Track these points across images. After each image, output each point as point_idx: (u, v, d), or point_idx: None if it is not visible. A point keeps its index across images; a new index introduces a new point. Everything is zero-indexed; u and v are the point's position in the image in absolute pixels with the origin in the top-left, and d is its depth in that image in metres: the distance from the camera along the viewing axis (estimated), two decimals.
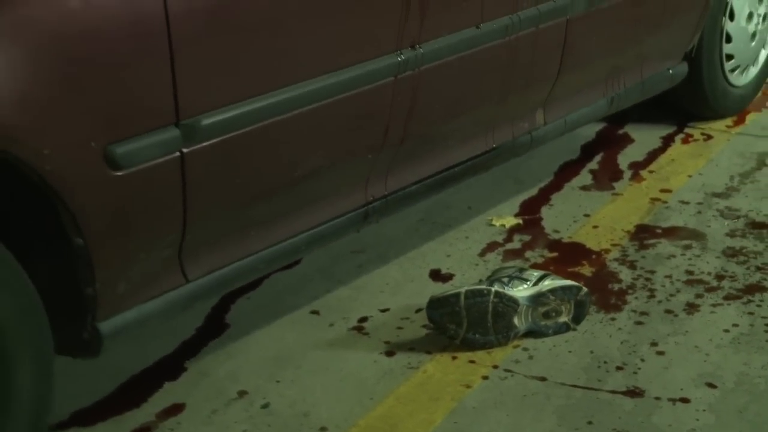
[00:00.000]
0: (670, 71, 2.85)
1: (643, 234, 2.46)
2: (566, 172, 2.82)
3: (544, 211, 2.60)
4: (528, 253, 2.38)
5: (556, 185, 2.74)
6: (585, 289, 2.09)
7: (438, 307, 2.00)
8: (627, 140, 3.04)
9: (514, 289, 2.04)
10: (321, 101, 1.82)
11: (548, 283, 2.05)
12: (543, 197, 2.68)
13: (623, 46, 2.63)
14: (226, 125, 1.68)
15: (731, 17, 3.06)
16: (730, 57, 3.10)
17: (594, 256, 2.36)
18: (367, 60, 1.90)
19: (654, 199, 2.65)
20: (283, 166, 1.85)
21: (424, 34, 1.99)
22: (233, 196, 1.77)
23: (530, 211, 2.61)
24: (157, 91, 1.58)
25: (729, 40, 3.08)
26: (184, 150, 1.62)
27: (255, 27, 1.70)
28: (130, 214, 1.60)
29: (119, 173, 1.54)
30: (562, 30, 2.35)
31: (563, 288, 2.05)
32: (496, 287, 2.01)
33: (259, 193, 1.83)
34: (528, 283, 2.06)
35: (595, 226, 2.51)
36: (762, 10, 3.17)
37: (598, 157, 2.92)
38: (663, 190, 2.70)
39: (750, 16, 3.12)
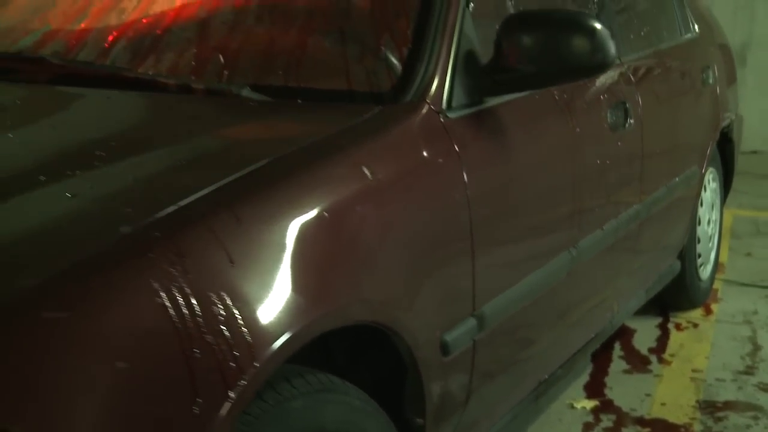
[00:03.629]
0: (671, 267, 3.30)
1: (709, 408, 2.79)
2: (600, 359, 3.14)
3: (609, 393, 2.89)
4: (624, 431, 2.65)
5: (602, 370, 3.05)
6: None
7: None
8: (629, 330, 3.41)
9: None
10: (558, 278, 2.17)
11: None
12: (598, 381, 2.97)
13: (660, 245, 3.06)
14: (503, 309, 1.89)
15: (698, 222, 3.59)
16: (698, 255, 3.61)
17: (683, 430, 2.66)
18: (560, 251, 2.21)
19: (693, 379, 3.01)
20: (540, 335, 2.15)
21: (581, 236, 2.30)
22: (503, 371, 1.97)
23: (596, 393, 2.89)
24: (465, 284, 1.78)
25: (698, 241, 3.59)
26: (476, 338, 1.81)
27: (518, 222, 1.97)
28: (442, 397, 1.75)
29: (446, 359, 1.71)
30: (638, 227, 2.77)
31: None
32: None
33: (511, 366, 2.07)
34: None
35: (663, 404, 2.82)
36: (714, 216, 3.73)
37: (617, 346, 3.27)
38: (695, 370, 3.07)
39: (708, 221, 3.67)
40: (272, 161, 1.47)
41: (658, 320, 3.52)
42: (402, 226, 1.61)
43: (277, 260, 1.34)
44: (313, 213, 1.43)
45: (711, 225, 3.69)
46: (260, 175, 1.43)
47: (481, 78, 1.90)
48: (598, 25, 1.90)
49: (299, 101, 1.77)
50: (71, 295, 1.12)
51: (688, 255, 3.46)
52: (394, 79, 1.80)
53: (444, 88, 1.82)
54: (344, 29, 1.91)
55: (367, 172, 1.56)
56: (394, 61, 1.83)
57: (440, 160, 1.75)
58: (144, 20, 1.98)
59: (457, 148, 1.78)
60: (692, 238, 3.48)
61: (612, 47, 1.91)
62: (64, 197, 1.32)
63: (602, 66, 1.93)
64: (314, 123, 1.68)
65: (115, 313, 1.14)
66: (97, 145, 1.50)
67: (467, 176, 1.78)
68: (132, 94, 1.78)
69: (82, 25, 2.00)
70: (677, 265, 3.34)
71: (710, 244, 3.71)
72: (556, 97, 2.20)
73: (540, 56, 1.88)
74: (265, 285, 1.31)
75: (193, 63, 1.89)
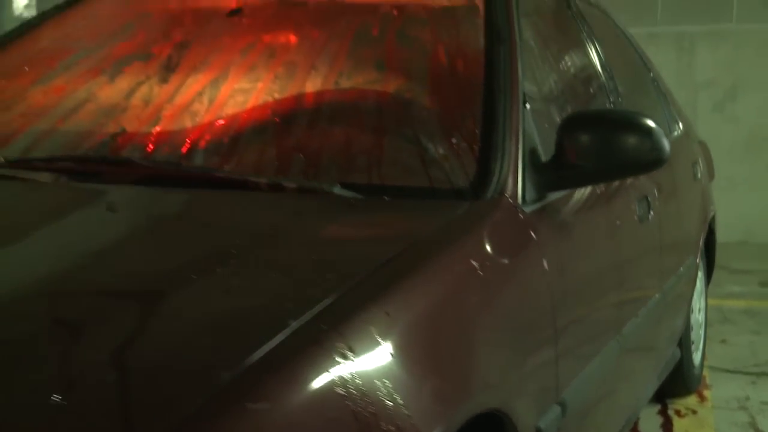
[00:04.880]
0: (674, 354, 3.41)
1: None
2: None
3: None
4: None
5: None
6: None
7: None
8: None
9: None
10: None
11: None
12: None
13: (669, 332, 3.18)
14: (578, 395, 1.96)
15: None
16: (692, 342, 3.73)
17: None
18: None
19: None
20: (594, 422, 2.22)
21: (624, 323, 2.40)
22: None
23: None
24: (551, 370, 1.85)
25: (691, 328, 3.72)
26: (560, 425, 1.87)
27: (581, 309, 2.06)
28: None
29: None
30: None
31: None
32: None
33: None
34: None
35: None
36: (702, 304, 3.88)
37: None
38: None
39: (699, 309, 3.81)
40: (395, 257, 1.53)
41: (657, 407, 3.62)
42: (503, 314, 1.68)
43: (422, 350, 1.40)
44: (444, 304, 1.50)
45: (700, 313, 3.84)
46: (390, 271, 1.49)
47: (545, 173, 2.00)
48: (653, 124, 2.03)
49: (386, 198, 1.85)
50: (269, 387, 1.16)
51: (684, 342, 3.58)
52: (472, 177, 1.89)
53: (518, 183, 1.91)
54: (418, 129, 1.99)
55: (475, 264, 1.64)
56: (470, 159, 1.92)
57: (525, 251, 1.83)
58: (220, 121, 2.04)
59: (536, 239, 1.87)
60: (687, 326, 3.60)
61: (667, 145, 2.03)
62: (222, 294, 1.36)
63: (658, 162, 2.05)
64: (413, 219, 1.75)
65: (307, 403, 1.18)
66: (226, 244, 1.55)
67: (547, 265, 1.86)
68: (228, 194, 1.83)
69: (158, 128, 2.05)
70: (677, 351, 3.46)
71: (700, 332, 3.85)
72: (598, 192, 2.32)
73: (598, 153, 1.99)
74: (418, 375, 1.36)
75: (277, 162, 1.95)
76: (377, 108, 2.08)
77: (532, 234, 1.87)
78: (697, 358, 3.80)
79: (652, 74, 3.63)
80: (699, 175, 3.61)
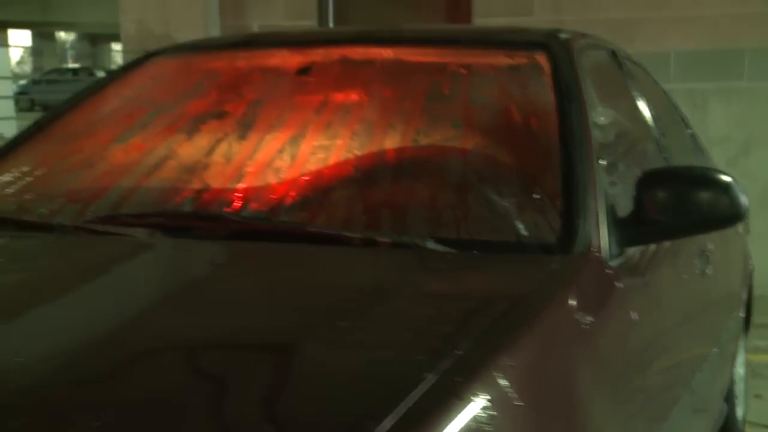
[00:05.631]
0: (721, 410, 3.42)
1: None
2: None
3: None
4: None
5: None
6: None
7: None
8: None
9: None
10: None
11: None
12: None
13: (720, 386, 3.19)
14: None
15: None
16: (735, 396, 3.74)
17: None
18: None
19: None
20: None
21: (694, 376, 2.42)
22: None
23: None
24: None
25: (734, 382, 3.73)
26: None
27: (661, 360, 2.08)
28: None
29: None
30: None
31: None
32: None
33: None
34: None
35: None
36: (743, 358, 3.89)
37: None
38: None
39: (741, 363, 3.82)
40: (508, 311, 1.56)
41: None
42: (602, 366, 1.71)
43: (541, 401, 1.42)
44: (553, 355, 1.53)
45: (742, 366, 3.85)
46: (507, 325, 1.51)
47: (625, 228, 2.03)
48: (729, 179, 2.06)
49: (475, 252, 1.87)
50: None
51: (730, 396, 3.59)
52: (558, 231, 1.92)
53: (602, 238, 1.94)
54: (500, 185, 2.03)
55: (576, 317, 1.67)
56: (553, 214, 1.95)
57: (615, 304, 1.86)
58: (305, 178, 2.07)
59: (622, 292, 1.90)
60: (731, 380, 3.61)
61: (745, 200, 2.07)
62: (351, 348, 1.39)
63: (736, 218, 2.08)
64: (511, 274, 1.78)
65: None
66: (338, 298, 1.58)
67: (633, 317, 1.89)
68: (321, 249, 1.86)
69: (242, 185, 2.08)
70: (725, 406, 3.46)
71: (742, 385, 3.86)
72: (665, 246, 2.35)
73: (676, 209, 2.03)
74: (543, 426, 1.38)
75: (364, 217, 1.98)
76: (459, 164, 2.12)
77: (619, 287, 1.90)
78: (740, 412, 3.80)
79: (690, 131, 3.68)
80: (740, 228, 3.65)
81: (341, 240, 1.87)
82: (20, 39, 38.11)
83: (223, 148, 2.22)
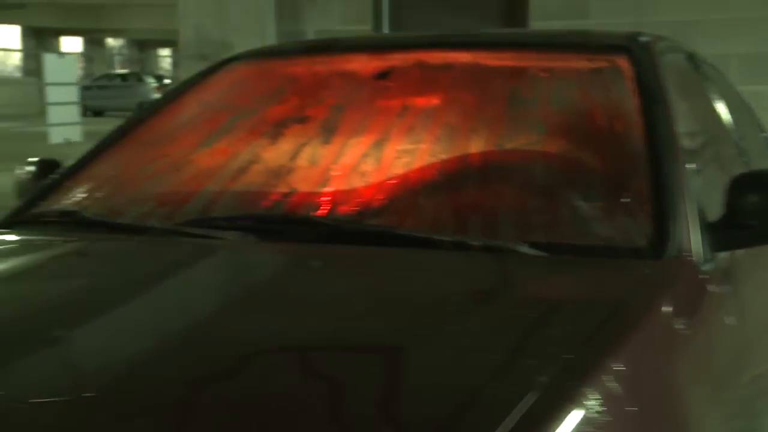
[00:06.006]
0: None
1: None
2: None
3: None
4: None
5: None
6: None
7: None
8: None
9: None
10: None
11: None
12: None
13: None
14: None
15: None
16: None
17: None
18: None
19: None
20: None
21: None
22: None
23: None
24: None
25: None
26: None
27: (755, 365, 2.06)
28: None
29: None
30: None
31: None
32: None
33: None
34: None
35: None
36: None
37: None
38: None
39: None
40: (611, 315, 1.56)
41: None
42: (702, 369, 1.70)
43: (655, 406, 1.42)
44: (658, 359, 1.52)
45: None
46: (611, 329, 1.51)
47: (716, 233, 2.01)
48: None
49: (566, 256, 1.87)
50: None
51: None
52: (650, 235, 1.91)
53: (694, 243, 1.93)
54: (589, 189, 2.02)
55: (676, 321, 1.66)
56: (644, 218, 1.94)
57: (709, 308, 1.85)
58: (392, 181, 2.08)
59: (716, 296, 1.88)
60: None
61: None
62: (461, 351, 1.39)
63: None
64: (608, 278, 1.78)
65: None
66: (439, 301, 1.59)
67: (727, 321, 1.88)
68: (411, 251, 1.86)
69: (328, 188, 2.09)
70: None
71: None
72: (755, 249, 2.32)
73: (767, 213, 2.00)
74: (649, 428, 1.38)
75: (453, 220, 1.98)
76: (545, 168, 2.11)
77: (713, 292, 1.89)
78: None
79: (765, 134, 3.64)
80: None
81: (430, 243, 1.88)
82: (72, 45, 38.68)
83: (307, 152, 2.23)
